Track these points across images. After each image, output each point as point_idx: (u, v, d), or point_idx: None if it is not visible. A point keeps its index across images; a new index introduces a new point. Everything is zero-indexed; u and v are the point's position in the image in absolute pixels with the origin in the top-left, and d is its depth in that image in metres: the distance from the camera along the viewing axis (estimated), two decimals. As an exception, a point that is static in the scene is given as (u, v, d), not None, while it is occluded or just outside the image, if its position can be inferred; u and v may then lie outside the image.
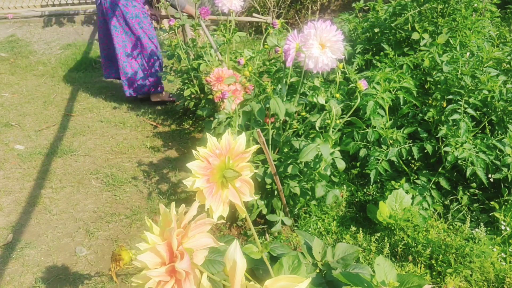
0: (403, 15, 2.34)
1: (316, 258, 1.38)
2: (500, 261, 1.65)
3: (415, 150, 1.96)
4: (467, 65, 1.96)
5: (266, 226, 1.97)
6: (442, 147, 1.91)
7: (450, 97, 1.93)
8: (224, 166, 0.82)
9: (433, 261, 1.70)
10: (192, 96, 2.72)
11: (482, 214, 1.89)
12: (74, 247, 1.95)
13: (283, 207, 1.87)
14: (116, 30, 2.92)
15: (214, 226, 2.02)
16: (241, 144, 0.85)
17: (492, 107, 1.94)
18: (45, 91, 3.49)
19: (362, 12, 2.87)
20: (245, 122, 1.82)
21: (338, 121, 1.64)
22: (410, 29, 2.33)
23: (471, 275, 1.61)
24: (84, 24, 5.06)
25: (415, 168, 2.08)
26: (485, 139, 1.88)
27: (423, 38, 2.22)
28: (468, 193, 1.95)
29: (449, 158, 1.80)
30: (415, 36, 2.23)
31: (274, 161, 1.79)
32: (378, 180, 2.12)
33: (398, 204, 1.84)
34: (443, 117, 1.94)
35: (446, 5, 2.24)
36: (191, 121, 3.00)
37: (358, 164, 2.22)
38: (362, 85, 1.54)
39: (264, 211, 1.89)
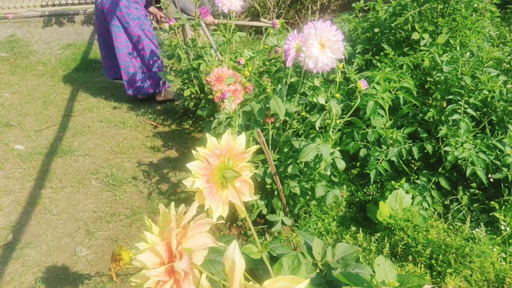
0: (403, 15, 2.33)
1: (316, 258, 1.38)
2: (500, 261, 1.65)
3: (415, 150, 1.96)
4: (467, 65, 1.96)
5: (266, 226, 1.97)
6: (442, 147, 1.91)
7: (450, 97, 1.93)
8: (224, 166, 0.81)
9: (433, 261, 1.70)
10: (192, 96, 2.72)
11: (482, 214, 1.89)
12: (74, 247, 1.95)
13: (283, 207, 1.87)
14: (118, 30, 2.93)
15: (214, 226, 2.02)
16: (241, 144, 0.85)
17: (492, 107, 1.94)
18: (45, 91, 3.49)
19: (362, 12, 2.87)
20: (245, 122, 1.82)
21: (338, 121, 1.64)
22: (410, 29, 2.33)
23: (471, 275, 1.61)
24: (84, 24, 5.07)
25: (415, 168, 2.08)
26: (485, 139, 1.88)
27: (423, 38, 2.22)
28: (468, 193, 1.95)
29: (449, 158, 1.80)
30: (415, 36, 2.23)
31: (274, 161, 1.79)
32: (378, 180, 2.12)
33: (398, 204, 1.84)
34: (443, 117, 1.94)
35: (446, 5, 2.24)
36: (191, 121, 3.00)
37: (358, 164, 2.22)
38: (362, 85, 1.54)
39: (264, 211, 1.89)
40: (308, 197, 1.77)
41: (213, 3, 2.55)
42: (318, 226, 1.94)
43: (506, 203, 1.83)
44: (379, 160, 1.95)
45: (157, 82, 3.11)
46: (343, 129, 2.07)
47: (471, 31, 2.24)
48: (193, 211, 0.76)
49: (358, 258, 1.73)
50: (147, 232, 0.74)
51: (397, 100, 2.04)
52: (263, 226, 1.98)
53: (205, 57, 2.50)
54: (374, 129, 1.97)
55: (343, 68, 1.68)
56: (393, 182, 1.99)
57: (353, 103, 1.72)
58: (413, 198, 1.90)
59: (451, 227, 1.87)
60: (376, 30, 2.47)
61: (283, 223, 1.86)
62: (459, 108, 1.87)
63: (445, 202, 1.96)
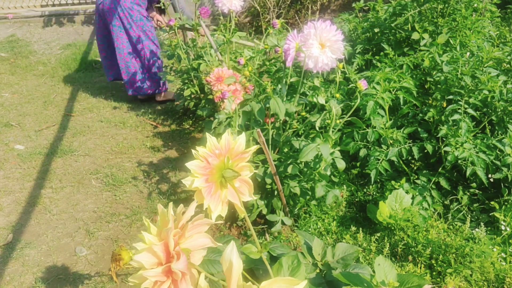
0: (403, 15, 2.33)
1: (316, 258, 1.38)
2: (500, 261, 1.65)
3: (415, 150, 1.96)
4: (467, 65, 1.96)
5: (266, 226, 1.97)
6: (442, 147, 1.91)
7: (450, 97, 1.93)
8: (224, 166, 0.81)
9: (433, 261, 1.70)
10: (192, 96, 2.72)
11: (482, 214, 1.89)
12: (74, 247, 1.95)
13: (283, 207, 1.87)
14: (119, 31, 2.93)
15: (214, 226, 2.02)
16: (240, 144, 0.85)
17: (492, 107, 1.94)
18: (45, 91, 3.49)
19: (362, 12, 2.87)
20: (245, 122, 1.82)
21: (338, 121, 1.64)
22: (410, 29, 2.33)
23: (471, 275, 1.61)
24: (84, 24, 5.06)
25: (415, 168, 2.08)
26: (485, 139, 1.88)
27: (423, 38, 2.22)
28: (468, 193, 1.95)
29: (449, 158, 1.80)
30: (415, 36, 2.23)
31: (274, 161, 1.78)
32: (378, 180, 2.11)
33: (398, 204, 1.84)
34: (443, 117, 1.94)
35: (446, 5, 2.24)
36: (191, 121, 3.00)
37: (358, 164, 2.22)
38: (362, 85, 1.54)
39: (264, 211, 1.89)
40: (308, 197, 1.77)
41: (213, 3, 2.55)
42: (318, 226, 1.94)
43: (506, 203, 1.83)
44: (379, 160, 1.95)
45: (157, 82, 3.12)
46: (343, 129, 2.07)
47: (471, 31, 2.24)
48: (191, 211, 0.76)
49: (358, 258, 1.73)
50: (145, 232, 0.74)
51: (397, 100, 2.04)
52: (263, 226, 1.98)
53: (205, 57, 2.50)
54: (374, 129, 1.97)
55: (343, 68, 1.68)
56: (393, 182, 1.99)
57: (353, 103, 1.72)
58: (413, 198, 1.90)
59: (451, 227, 1.87)
60: (376, 30, 2.47)
61: (283, 223, 1.86)
62: (459, 108, 1.87)
63: (445, 202, 1.96)
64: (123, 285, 1.74)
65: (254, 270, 1.35)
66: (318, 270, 1.36)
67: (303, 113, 1.90)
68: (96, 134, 2.86)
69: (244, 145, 0.85)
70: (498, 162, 1.83)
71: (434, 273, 1.68)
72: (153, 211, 2.16)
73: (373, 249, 1.78)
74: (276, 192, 1.84)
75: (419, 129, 2.03)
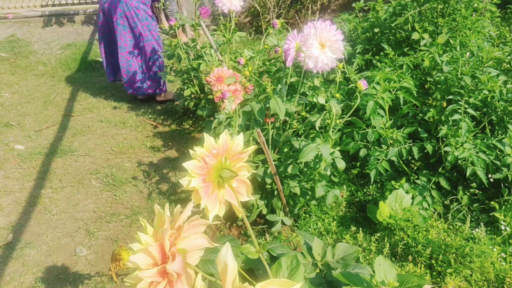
0: (403, 15, 2.33)
1: (316, 258, 1.38)
2: (500, 261, 1.65)
3: (415, 150, 1.96)
4: (467, 65, 1.96)
5: (266, 226, 1.97)
6: (442, 147, 1.91)
7: (450, 97, 1.93)
8: (221, 166, 0.81)
9: (433, 261, 1.70)
10: (192, 96, 2.72)
11: (482, 214, 1.89)
12: (74, 247, 1.95)
13: (283, 207, 1.87)
14: (123, 29, 2.93)
15: (214, 226, 2.02)
16: (238, 144, 0.85)
17: (492, 107, 1.94)
18: (45, 91, 3.49)
19: (362, 12, 2.87)
20: (245, 122, 1.82)
21: (338, 121, 1.64)
22: (410, 29, 2.33)
23: (471, 275, 1.61)
24: (84, 24, 5.06)
25: (415, 168, 2.08)
26: (485, 139, 1.88)
27: (423, 38, 2.22)
28: (468, 193, 1.95)
29: (449, 158, 1.80)
30: (415, 36, 2.23)
31: (274, 161, 1.78)
32: (378, 180, 2.11)
33: (398, 204, 1.84)
34: (443, 117, 1.94)
35: (446, 5, 2.24)
36: (191, 121, 3.00)
37: (358, 164, 2.22)
38: (362, 85, 1.54)
39: (264, 211, 1.89)
40: (308, 197, 1.77)
41: (213, 3, 2.55)
42: (318, 226, 1.94)
43: (506, 203, 1.83)
44: (379, 160, 1.95)
45: (158, 82, 3.12)
46: (343, 129, 2.07)
47: (471, 31, 2.24)
48: (187, 212, 0.76)
49: (358, 258, 1.73)
50: (141, 233, 0.74)
51: (397, 100, 2.04)
52: (263, 226, 1.98)
53: (205, 57, 2.50)
54: (374, 129, 1.97)
55: (343, 68, 1.68)
56: (393, 182, 1.98)
57: (353, 103, 1.72)
58: (413, 198, 1.90)
59: (451, 227, 1.86)
60: (376, 30, 2.47)
61: (283, 223, 1.86)
62: (459, 108, 1.87)
63: (445, 202, 1.96)
64: (123, 285, 1.73)
65: (254, 270, 1.35)
66: (318, 270, 1.36)
67: (303, 113, 1.90)
68: (96, 134, 2.86)
69: (242, 145, 0.85)
70: (498, 162, 1.83)
71: (434, 273, 1.68)
72: (153, 211, 2.16)
73: (373, 249, 1.78)
74: (276, 192, 1.84)
75: (419, 129, 2.03)
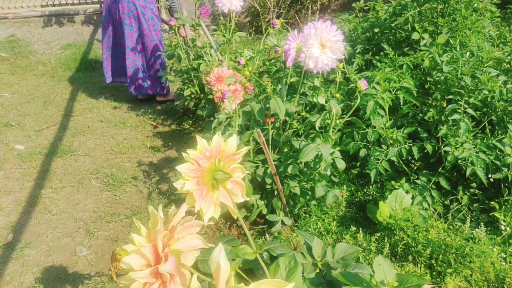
0: (403, 15, 2.33)
1: (316, 258, 1.38)
2: (500, 261, 1.65)
3: (415, 150, 1.96)
4: (467, 65, 1.96)
5: (266, 226, 1.97)
6: (442, 147, 1.91)
7: (450, 97, 1.93)
8: (215, 168, 0.81)
9: (433, 261, 1.70)
10: (192, 96, 2.72)
11: (482, 214, 1.89)
12: (74, 247, 1.95)
13: (283, 207, 1.87)
14: (130, 30, 2.93)
15: (214, 226, 2.02)
16: (231, 146, 0.85)
17: (492, 107, 1.94)
18: (45, 91, 3.49)
19: (362, 12, 2.87)
20: (245, 122, 1.82)
21: (338, 121, 1.64)
22: (410, 29, 2.33)
23: (471, 275, 1.61)
24: (84, 24, 5.06)
25: (415, 168, 2.08)
26: (485, 139, 1.88)
27: (423, 38, 2.22)
28: (468, 193, 1.95)
29: (449, 158, 1.80)
30: (415, 36, 2.23)
31: (274, 161, 1.78)
32: (378, 180, 2.11)
33: (398, 204, 1.84)
34: (443, 117, 1.94)
35: (446, 5, 2.24)
36: (191, 121, 3.00)
37: (358, 164, 2.22)
38: (362, 85, 1.54)
39: (264, 211, 1.89)
40: (308, 197, 1.77)
41: (213, 3, 2.55)
42: (318, 226, 1.94)
43: (506, 203, 1.83)
44: (379, 160, 1.95)
45: (159, 83, 3.12)
46: (343, 129, 2.07)
47: (471, 31, 2.24)
48: (181, 213, 0.76)
49: (358, 258, 1.73)
50: (135, 234, 0.74)
51: (397, 100, 2.04)
52: (263, 226, 1.98)
53: (205, 57, 2.50)
54: (374, 129, 1.97)
55: (343, 68, 1.68)
56: (393, 182, 1.98)
57: (353, 103, 1.72)
58: (413, 198, 1.90)
59: (451, 227, 1.87)
60: (376, 30, 2.47)
61: (283, 223, 1.86)
62: (459, 108, 1.87)
63: (445, 202, 1.96)
64: (123, 285, 1.73)
65: (254, 270, 1.35)
66: (318, 270, 1.36)
67: (303, 113, 1.90)
68: (96, 134, 2.86)
69: (235, 147, 0.85)
70: (498, 162, 1.83)
71: (434, 273, 1.68)
72: (153, 211, 2.16)
73: (373, 249, 1.78)
74: (276, 192, 1.84)
75: (419, 129, 2.03)
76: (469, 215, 1.87)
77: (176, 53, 2.64)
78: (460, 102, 1.88)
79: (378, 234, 1.85)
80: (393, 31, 2.40)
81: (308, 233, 1.49)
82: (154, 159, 2.58)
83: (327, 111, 1.66)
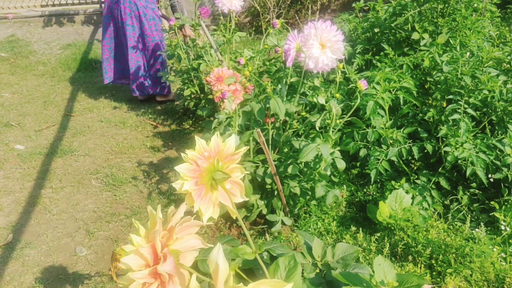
0: (403, 15, 2.33)
1: (316, 258, 1.38)
2: (500, 261, 1.65)
3: (415, 150, 1.96)
4: (467, 65, 1.96)
5: (266, 226, 1.97)
6: (442, 147, 1.91)
7: (450, 97, 1.93)
8: (213, 168, 0.81)
9: (433, 261, 1.70)
10: (192, 96, 2.72)
11: (482, 214, 1.89)
12: (74, 247, 1.95)
13: (283, 207, 1.87)
14: (133, 30, 2.93)
15: (214, 226, 2.02)
16: (230, 146, 0.85)
17: (492, 107, 1.94)
18: (45, 91, 3.49)
19: (362, 12, 2.87)
20: (245, 122, 1.82)
21: (338, 121, 1.64)
22: (410, 29, 2.33)
23: (471, 275, 1.61)
24: (84, 24, 5.06)
25: (415, 168, 2.08)
26: (485, 139, 1.88)
27: (423, 38, 2.22)
28: (468, 193, 1.95)
29: (449, 158, 1.80)
30: (415, 36, 2.23)
31: (274, 161, 1.79)
32: (378, 180, 2.11)
33: (398, 204, 1.84)
34: (443, 117, 1.94)
35: (446, 5, 2.24)
36: (191, 121, 3.00)
37: (358, 164, 2.22)
38: (362, 85, 1.54)
39: (264, 211, 1.89)
40: (308, 197, 1.77)
41: (213, 3, 2.55)
42: (318, 226, 1.94)
43: (506, 203, 1.83)
44: (379, 160, 1.95)
45: (159, 83, 3.12)
46: (343, 129, 2.08)
47: (471, 31, 2.24)
48: (180, 213, 0.76)
49: (358, 258, 1.73)
50: (133, 234, 0.74)
51: (397, 100, 2.04)
52: (263, 226, 1.98)
53: (205, 57, 2.50)
54: (374, 129, 1.97)
55: (343, 68, 1.68)
56: (393, 182, 1.99)
57: (353, 103, 1.72)
58: (413, 198, 1.90)
59: (451, 227, 1.87)
60: (376, 30, 2.47)
61: (283, 223, 1.86)
62: (459, 108, 1.87)
63: (445, 202, 1.96)
64: (123, 285, 1.73)
65: (254, 270, 1.35)
66: (318, 270, 1.36)
67: (303, 113, 1.90)
68: (96, 134, 2.86)
69: (234, 147, 0.85)
70: (498, 162, 1.83)
71: (434, 273, 1.68)
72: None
73: (373, 249, 1.78)
74: (276, 192, 1.84)
75: (419, 129, 2.03)
76: (469, 215, 1.87)
77: (176, 53, 2.64)
78: (460, 102, 1.88)
79: (378, 234, 1.85)
80: (393, 31, 2.40)
81: (308, 233, 1.49)
82: (154, 159, 2.58)
83: (327, 111, 1.66)
